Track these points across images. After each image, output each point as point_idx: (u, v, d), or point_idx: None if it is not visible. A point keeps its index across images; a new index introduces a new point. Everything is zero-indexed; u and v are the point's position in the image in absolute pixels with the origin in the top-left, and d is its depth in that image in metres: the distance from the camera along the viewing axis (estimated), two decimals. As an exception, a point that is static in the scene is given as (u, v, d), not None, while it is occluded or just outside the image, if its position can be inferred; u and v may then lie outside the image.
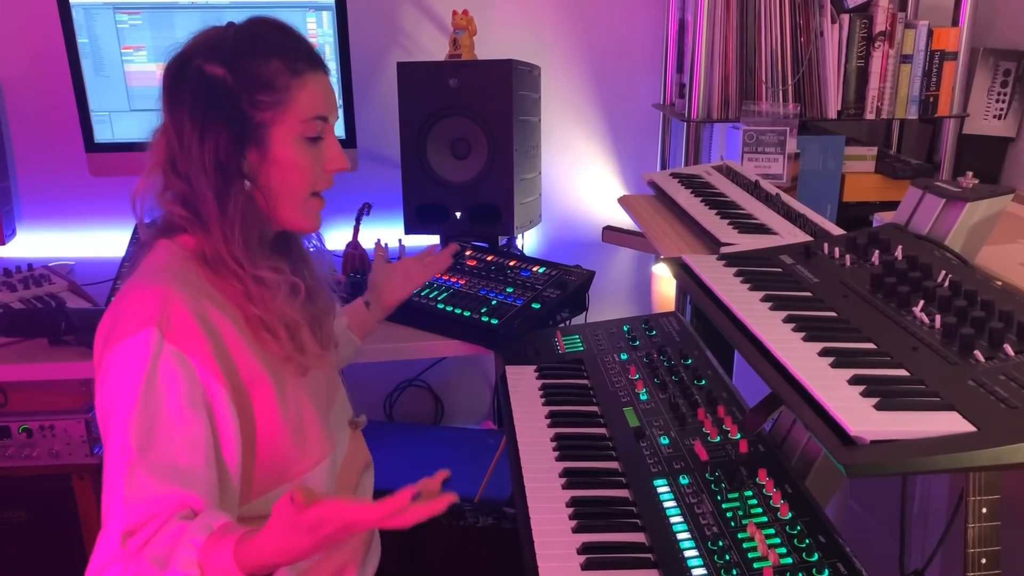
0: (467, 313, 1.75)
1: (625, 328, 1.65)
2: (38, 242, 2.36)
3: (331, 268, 1.34)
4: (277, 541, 0.86)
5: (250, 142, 1.09)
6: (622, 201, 1.92)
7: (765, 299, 1.12)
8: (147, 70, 2.08)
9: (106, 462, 0.97)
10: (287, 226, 1.19)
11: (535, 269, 1.93)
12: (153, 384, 0.99)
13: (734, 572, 0.99)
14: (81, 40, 2.03)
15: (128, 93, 2.09)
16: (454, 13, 2.20)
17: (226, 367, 1.05)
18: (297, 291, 1.15)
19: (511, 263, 1.96)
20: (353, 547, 1.25)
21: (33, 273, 1.99)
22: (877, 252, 1.20)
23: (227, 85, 1.08)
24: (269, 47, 1.11)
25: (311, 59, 1.14)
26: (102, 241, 2.33)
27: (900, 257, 1.15)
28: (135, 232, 2.08)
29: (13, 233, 2.26)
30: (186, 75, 1.08)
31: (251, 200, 1.11)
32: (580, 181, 2.56)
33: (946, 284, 1.06)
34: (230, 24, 1.14)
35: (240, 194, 1.09)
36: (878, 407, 0.84)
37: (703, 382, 1.41)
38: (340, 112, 2.01)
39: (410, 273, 1.57)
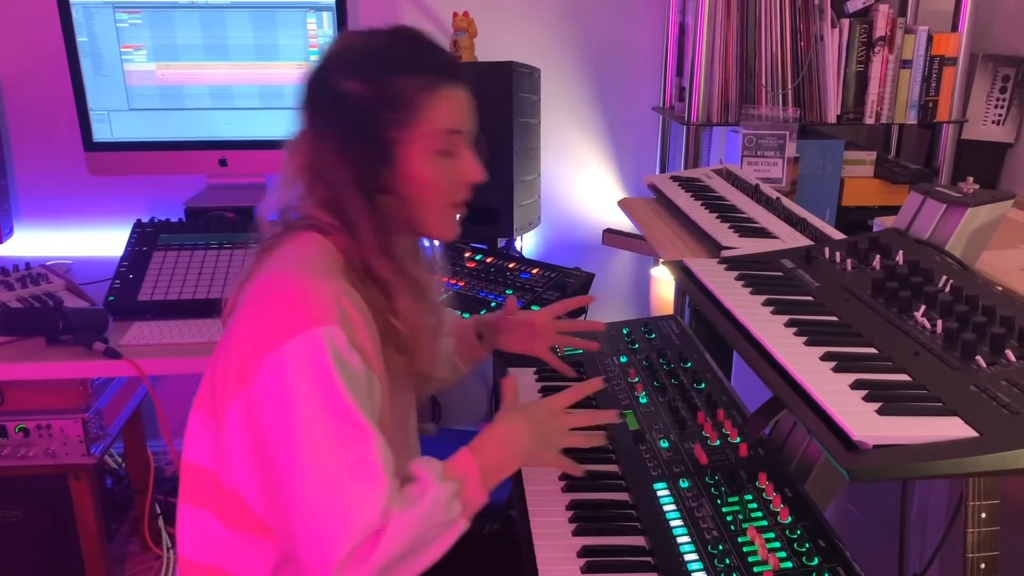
0: (466, 315, 1.75)
1: (624, 331, 1.65)
2: (36, 241, 2.36)
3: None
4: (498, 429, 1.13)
5: (387, 159, 1.10)
6: (622, 204, 1.92)
7: (767, 303, 1.12)
8: (146, 69, 2.08)
9: (311, 461, 0.95)
10: (427, 235, 1.21)
11: (534, 271, 1.92)
12: (343, 378, 0.98)
13: (734, 576, 0.99)
14: (81, 39, 2.03)
15: (127, 92, 2.08)
16: (455, 15, 2.20)
17: (379, 364, 1.06)
18: (438, 313, 1.17)
19: (510, 265, 1.96)
20: None
21: (31, 272, 1.98)
22: (878, 257, 1.20)
23: (363, 104, 1.08)
24: (404, 63, 1.11)
25: (447, 73, 1.13)
26: (100, 240, 2.32)
27: (901, 262, 1.15)
28: (133, 231, 2.08)
29: (11, 232, 2.26)
30: (325, 90, 1.10)
31: (393, 211, 1.11)
32: (579, 183, 2.56)
33: (947, 289, 1.06)
34: (370, 33, 1.13)
35: (380, 209, 1.10)
36: (881, 412, 0.84)
37: (703, 385, 1.41)
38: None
39: (536, 330, 1.48)
